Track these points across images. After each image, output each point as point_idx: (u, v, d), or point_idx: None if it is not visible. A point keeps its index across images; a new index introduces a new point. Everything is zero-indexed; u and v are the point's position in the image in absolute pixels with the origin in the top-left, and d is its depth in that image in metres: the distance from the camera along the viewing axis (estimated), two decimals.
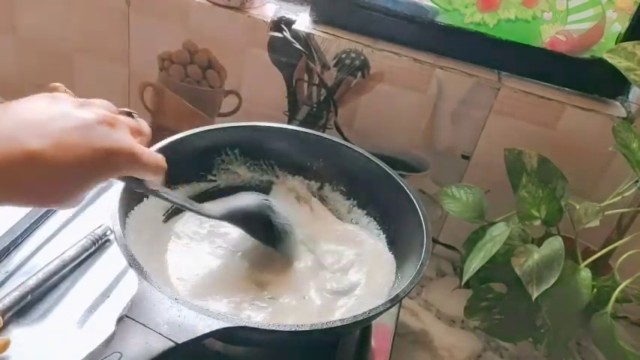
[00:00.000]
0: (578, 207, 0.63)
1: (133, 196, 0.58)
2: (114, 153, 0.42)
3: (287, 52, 0.75)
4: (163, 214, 0.64)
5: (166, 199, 0.52)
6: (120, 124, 0.44)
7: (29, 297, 0.58)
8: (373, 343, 0.62)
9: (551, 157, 0.66)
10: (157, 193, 0.51)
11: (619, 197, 0.64)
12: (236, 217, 0.59)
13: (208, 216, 0.58)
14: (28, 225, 0.67)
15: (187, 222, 0.65)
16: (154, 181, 0.50)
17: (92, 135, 0.42)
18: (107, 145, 0.42)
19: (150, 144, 0.51)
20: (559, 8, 0.69)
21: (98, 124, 0.42)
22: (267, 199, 0.62)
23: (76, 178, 0.41)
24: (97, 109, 0.44)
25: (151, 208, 0.61)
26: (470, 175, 0.76)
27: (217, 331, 0.44)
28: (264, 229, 0.61)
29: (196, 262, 0.60)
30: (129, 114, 0.48)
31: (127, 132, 0.45)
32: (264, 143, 0.70)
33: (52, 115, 0.41)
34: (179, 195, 0.54)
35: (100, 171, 0.42)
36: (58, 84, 0.48)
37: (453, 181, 0.76)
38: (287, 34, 0.74)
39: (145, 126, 0.49)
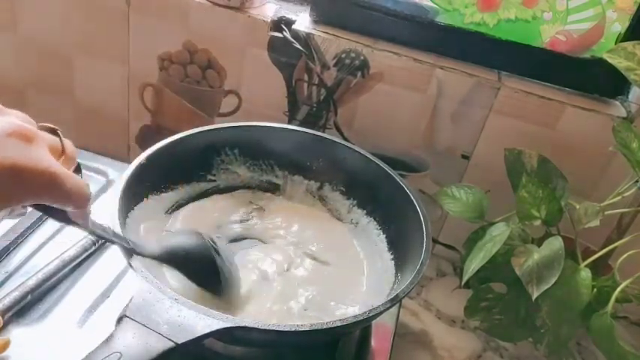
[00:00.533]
0: (578, 207, 0.63)
1: (133, 196, 0.59)
2: (27, 173, 0.35)
3: (287, 52, 0.75)
4: (164, 214, 0.64)
5: (94, 234, 0.46)
6: (39, 140, 0.37)
7: (29, 297, 0.58)
8: (373, 343, 0.62)
9: (551, 157, 0.66)
10: (83, 227, 0.44)
11: (619, 197, 0.64)
12: (174, 259, 0.53)
13: (142, 255, 0.51)
14: (28, 225, 0.67)
15: (189, 222, 0.65)
16: (79, 211, 0.42)
17: None
18: (17, 162, 0.34)
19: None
20: (559, 8, 0.69)
21: (8, 136, 0.35)
22: (211, 239, 0.56)
23: None
24: (9, 117, 0.37)
25: (151, 208, 0.61)
26: (470, 175, 0.76)
27: (217, 331, 0.44)
28: (206, 273, 0.54)
29: None
30: (52, 130, 0.41)
31: (47, 150, 0.38)
32: (264, 143, 0.70)
33: None
34: (108, 228, 0.48)
35: (7, 194, 0.34)
36: None
37: (453, 181, 0.76)
38: (287, 34, 0.74)
39: (70, 146, 0.42)
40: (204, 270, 0.54)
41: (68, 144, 0.41)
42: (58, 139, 0.41)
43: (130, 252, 0.50)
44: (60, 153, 0.40)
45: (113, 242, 0.49)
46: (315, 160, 0.71)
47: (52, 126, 0.41)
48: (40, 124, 0.40)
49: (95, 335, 0.43)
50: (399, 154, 0.78)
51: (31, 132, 0.37)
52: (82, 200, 0.39)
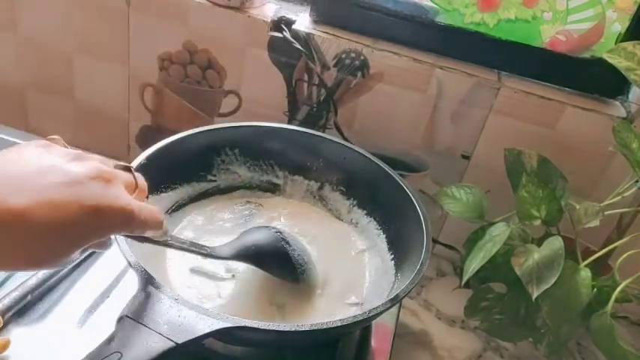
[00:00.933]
0: (578, 207, 0.63)
1: None
2: (107, 212, 0.39)
3: (287, 52, 0.75)
4: (164, 213, 0.64)
5: (173, 247, 0.51)
6: (117, 180, 0.41)
7: (29, 297, 0.58)
8: (373, 343, 0.62)
9: (551, 157, 0.66)
10: (163, 243, 0.49)
11: (619, 197, 0.64)
12: (249, 256, 0.57)
13: (219, 258, 0.56)
14: None
15: (188, 222, 0.65)
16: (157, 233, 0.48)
17: (83, 192, 0.38)
18: (99, 203, 0.38)
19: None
20: (559, 8, 0.69)
21: (91, 180, 0.39)
22: (279, 232, 0.60)
23: (65, 239, 0.37)
24: (91, 162, 0.41)
25: None
26: (470, 175, 0.76)
27: (217, 331, 0.44)
28: (281, 264, 0.58)
29: (196, 262, 0.60)
30: (126, 168, 0.45)
31: (123, 188, 0.42)
32: (264, 143, 0.70)
33: (40, 169, 0.37)
34: (186, 240, 0.53)
35: (91, 231, 0.38)
36: (57, 137, 0.44)
37: (453, 181, 0.76)
38: (287, 34, 0.74)
39: (141, 180, 0.46)
40: (277, 261, 0.58)
41: (140, 178, 0.46)
42: (131, 175, 0.45)
43: (208, 257, 0.54)
44: (134, 188, 0.45)
45: (191, 252, 0.52)
46: (315, 160, 0.71)
47: (126, 164, 0.46)
48: (116, 163, 0.45)
49: (95, 335, 0.43)
50: (399, 154, 0.78)
51: (110, 174, 0.41)
52: (156, 226, 0.45)
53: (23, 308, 0.58)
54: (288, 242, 0.59)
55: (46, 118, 0.92)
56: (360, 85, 0.75)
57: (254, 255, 0.57)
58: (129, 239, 0.49)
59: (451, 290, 0.73)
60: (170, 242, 0.50)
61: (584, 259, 0.62)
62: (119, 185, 0.41)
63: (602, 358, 0.62)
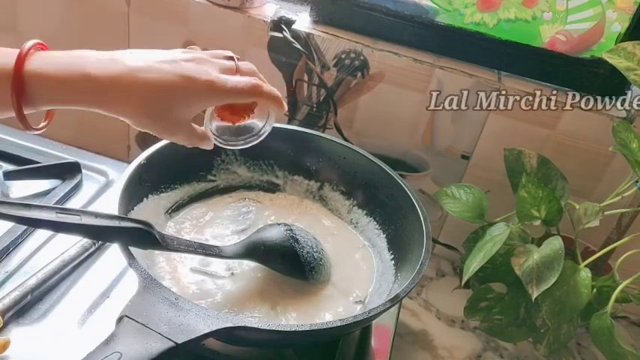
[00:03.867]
0: (578, 207, 0.63)
1: (133, 197, 0.59)
2: (194, 80, 0.50)
3: (287, 52, 0.75)
4: (164, 214, 0.64)
5: (181, 251, 0.54)
6: (208, 63, 0.52)
7: (29, 297, 0.58)
8: (373, 343, 0.62)
9: (551, 157, 0.66)
10: (171, 249, 0.52)
11: (619, 197, 0.64)
12: (258, 255, 0.58)
13: (228, 257, 0.57)
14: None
15: (188, 222, 0.65)
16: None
17: (177, 66, 0.50)
18: (185, 73, 0.50)
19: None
20: (559, 8, 0.69)
21: (185, 61, 0.51)
22: (290, 229, 0.60)
23: (165, 98, 0.49)
24: (192, 53, 0.53)
25: (151, 207, 0.61)
26: (470, 175, 0.76)
27: (217, 331, 0.44)
28: (290, 263, 0.59)
29: (196, 261, 0.60)
30: (229, 58, 0.55)
31: (215, 69, 0.52)
32: (264, 143, 0.70)
33: (157, 54, 0.52)
34: (193, 242, 0.55)
35: (182, 93, 0.50)
36: (195, 46, 0.58)
37: (453, 181, 0.76)
38: (287, 34, 0.74)
39: (245, 66, 0.55)
40: (286, 260, 0.59)
41: (245, 65, 0.56)
42: (232, 62, 0.54)
43: (215, 257, 0.57)
44: (234, 71, 0.54)
45: (200, 254, 0.55)
46: (315, 160, 0.71)
47: (228, 55, 0.56)
48: (224, 53, 0.56)
49: (95, 335, 0.43)
50: (399, 155, 0.78)
51: (203, 59, 0.53)
52: (240, 96, 0.53)
53: (23, 308, 0.58)
54: (297, 240, 0.59)
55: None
56: (360, 85, 0.75)
57: (263, 254, 0.58)
58: (133, 247, 0.50)
59: (451, 290, 0.73)
60: (175, 247, 0.51)
61: (584, 259, 0.62)
62: (212, 66, 0.52)
63: (602, 358, 0.62)
